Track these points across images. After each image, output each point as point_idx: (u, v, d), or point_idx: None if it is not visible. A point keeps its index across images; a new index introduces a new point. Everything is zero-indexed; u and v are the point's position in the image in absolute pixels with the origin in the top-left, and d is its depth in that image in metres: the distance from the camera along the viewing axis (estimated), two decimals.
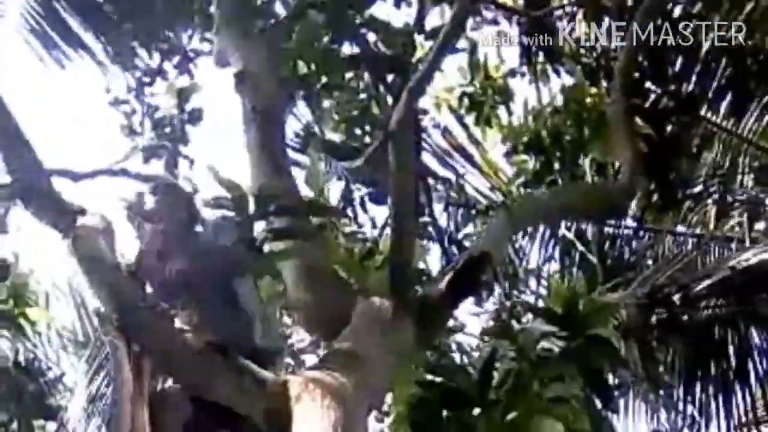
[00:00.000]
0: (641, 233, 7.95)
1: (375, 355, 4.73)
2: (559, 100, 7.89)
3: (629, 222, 7.93)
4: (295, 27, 6.63)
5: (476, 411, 4.94)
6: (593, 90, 7.71)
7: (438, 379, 5.05)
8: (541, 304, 7.28)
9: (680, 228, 8.60)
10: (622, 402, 7.36)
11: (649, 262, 7.64)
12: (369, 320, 5.01)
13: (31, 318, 7.53)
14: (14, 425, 6.85)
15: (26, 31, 7.16)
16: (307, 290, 5.41)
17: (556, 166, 7.30)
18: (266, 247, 4.86)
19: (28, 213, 4.84)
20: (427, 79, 5.79)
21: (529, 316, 6.21)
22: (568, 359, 5.36)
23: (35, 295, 7.68)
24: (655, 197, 7.68)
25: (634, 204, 7.65)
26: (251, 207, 4.78)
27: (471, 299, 6.31)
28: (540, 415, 4.83)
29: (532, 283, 7.88)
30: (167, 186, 5.12)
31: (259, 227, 4.91)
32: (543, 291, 7.78)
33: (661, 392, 7.61)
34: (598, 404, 5.42)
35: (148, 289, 4.76)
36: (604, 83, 7.96)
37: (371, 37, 7.37)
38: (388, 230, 6.63)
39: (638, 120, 7.37)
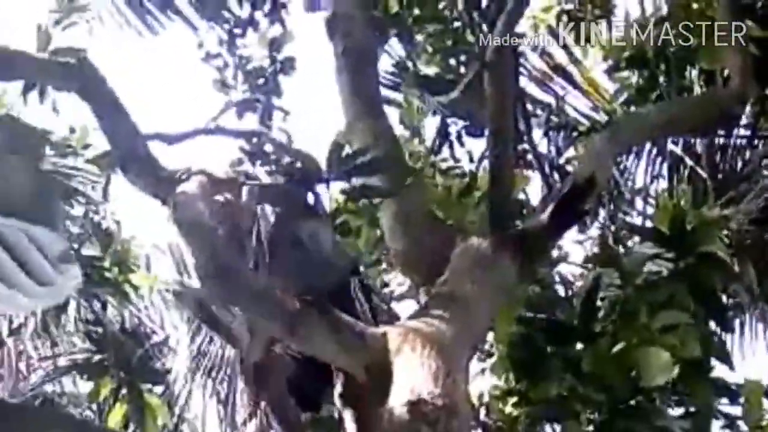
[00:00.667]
0: (755, 141, 7.58)
1: (475, 296, 4.71)
2: (664, 9, 7.55)
3: (742, 131, 7.57)
4: None
5: (580, 345, 4.90)
6: None
7: (540, 315, 5.02)
8: (648, 224, 7.09)
9: None
10: (737, 322, 7.15)
11: (765, 172, 7.29)
12: (468, 261, 4.97)
13: (134, 283, 7.75)
14: (123, 391, 7.04)
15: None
16: (405, 234, 5.41)
17: (661, 79, 7.03)
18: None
19: (127, 181, 4.98)
20: (525, 2, 5.64)
21: (636, 239, 6.06)
22: (678, 280, 5.24)
23: (137, 260, 7.88)
24: None
25: (747, 111, 7.30)
26: (323, 171, 4.80)
27: (574, 227, 6.16)
28: (647, 345, 4.75)
29: (639, 204, 7.65)
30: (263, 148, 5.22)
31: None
32: (650, 211, 7.54)
33: None
34: (711, 326, 5.31)
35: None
36: None
37: None
38: (485, 163, 6.52)
39: (749, 22, 6.98)
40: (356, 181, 5.00)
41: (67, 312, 7.67)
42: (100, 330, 7.23)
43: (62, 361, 8.14)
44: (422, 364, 4.10)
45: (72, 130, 7.64)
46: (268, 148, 5.69)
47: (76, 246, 6.97)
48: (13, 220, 0.96)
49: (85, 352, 7.25)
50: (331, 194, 5.02)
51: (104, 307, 7.69)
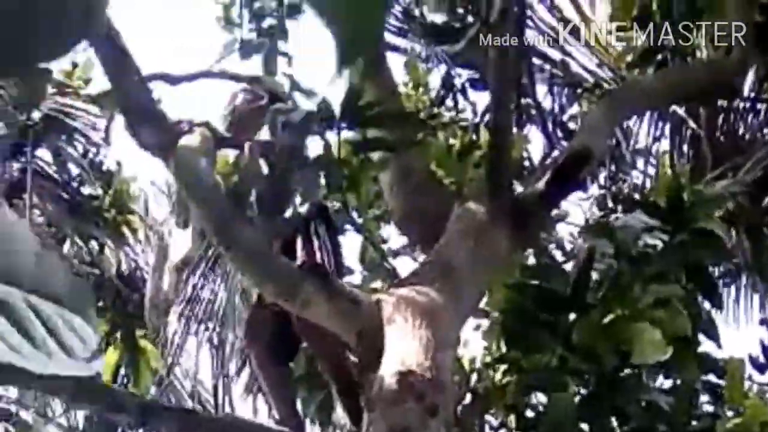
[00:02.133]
0: (758, 106, 7.56)
1: (469, 266, 4.76)
2: None
3: (745, 96, 7.53)
4: None
5: (572, 316, 4.95)
6: None
7: (533, 282, 5.06)
8: (648, 185, 7.11)
9: None
10: (732, 290, 7.21)
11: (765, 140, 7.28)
12: (464, 227, 5.00)
13: (132, 226, 7.69)
14: (117, 335, 7.06)
15: None
16: (403, 193, 5.45)
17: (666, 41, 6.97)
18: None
19: (128, 132, 4.95)
20: None
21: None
22: (671, 254, 5.28)
23: (136, 202, 7.81)
24: None
25: (750, 77, 7.26)
26: (336, 115, 4.80)
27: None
28: (638, 319, 4.81)
29: (640, 164, 7.65)
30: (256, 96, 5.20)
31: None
32: (651, 171, 7.55)
33: None
34: (700, 300, 5.37)
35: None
36: None
37: None
38: (488, 117, 6.50)
39: None
40: (368, 132, 5.02)
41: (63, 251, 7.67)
42: (96, 272, 7.25)
43: None
44: (413, 335, 4.16)
45: (74, 65, 7.56)
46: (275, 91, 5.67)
47: (75, 185, 6.98)
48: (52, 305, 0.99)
49: None
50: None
51: (101, 249, 7.69)
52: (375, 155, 5.14)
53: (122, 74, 4.92)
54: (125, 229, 7.58)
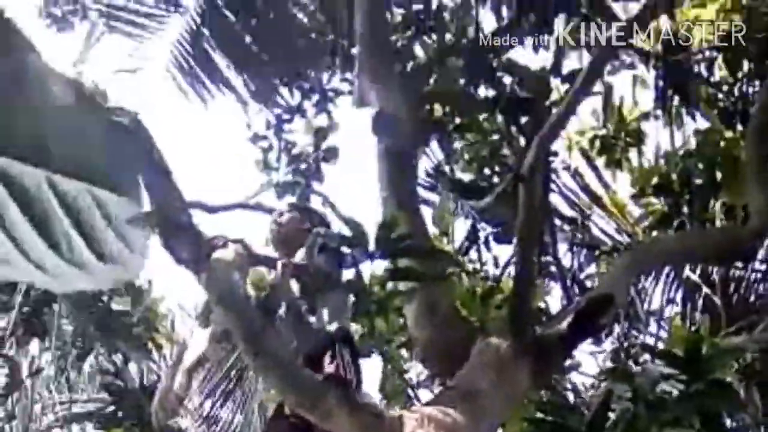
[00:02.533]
0: None
1: (490, 395, 4.87)
2: (692, 144, 7.87)
3: (757, 265, 7.78)
4: (434, 72, 6.85)
5: None
6: (729, 134, 7.65)
7: (548, 418, 5.13)
8: (661, 346, 7.23)
9: None
10: None
11: None
12: (487, 359, 5.14)
13: (158, 341, 7.85)
14: None
15: (174, 68, 7.52)
16: (428, 326, 5.60)
17: (685, 209, 7.28)
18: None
19: (163, 246, 5.16)
20: (561, 124, 5.91)
21: (647, 356, 6.20)
22: (687, 402, 5.36)
23: (164, 320, 8.01)
24: None
25: (764, 247, 7.52)
26: (371, 245, 5.01)
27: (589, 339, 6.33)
28: None
29: (653, 325, 7.83)
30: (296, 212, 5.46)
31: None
32: (663, 333, 7.72)
33: None
34: None
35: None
36: (739, 128, 7.88)
37: (507, 79, 7.52)
38: (510, 269, 6.73)
39: None
40: (399, 263, 5.20)
41: (88, 360, 7.80)
42: (119, 383, 7.34)
43: (76, 408, 8.21)
44: None
45: None
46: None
47: (105, 299, 7.17)
48: (78, 183, 0.83)
49: (100, 402, 7.34)
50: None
51: (126, 361, 7.81)
52: (402, 285, 5.33)
53: (162, 191, 5.17)
54: (150, 344, 7.72)
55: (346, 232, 5.01)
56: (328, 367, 4.82)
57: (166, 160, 5.17)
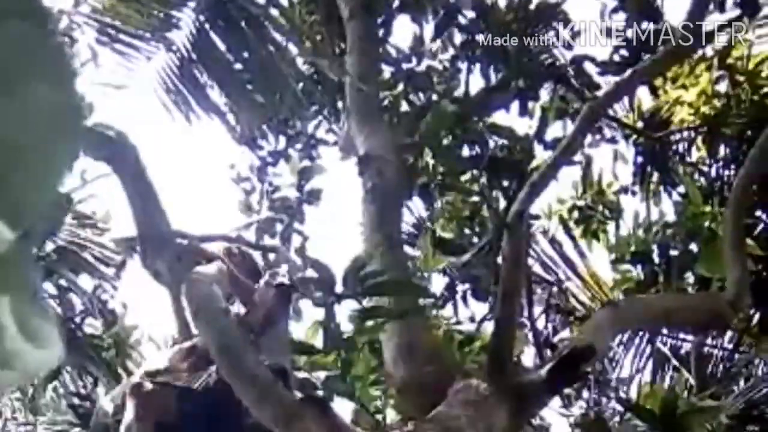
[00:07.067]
0: (736, 355, 7.85)
1: (467, 429, 4.77)
2: (670, 217, 7.96)
3: (726, 343, 7.86)
4: (425, 117, 6.91)
5: None
6: (707, 208, 7.75)
7: None
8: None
9: None
10: None
11: (742, 382, 7.52)
12: (465, 397, 5.05)
13: (128, 368, 7.66)
14: None
15: (162, 91, 7.38)
16: (405, 365, 5.50)
17: (661, 279, 7.32)
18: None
19: (143, 265, 5.09)
20: (543, 185, 5.94)
21: (616, 419, 6.16)
22: None
23: (136, 347, 7.83)
24: (755, 320, 7.63)
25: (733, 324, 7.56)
26: (338, 287, 4.95)
27: (558, 402, 6.28)
28: None
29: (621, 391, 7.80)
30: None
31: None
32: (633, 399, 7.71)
33: None
34: None
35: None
36: (717, 203, 7.99)
37: (491, 142, 7.59)
38: (486, 325, 6.70)
39: (749, 241, 7.34)
40: (367, 302, 5.15)
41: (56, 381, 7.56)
42: (87, 404, 7.11)
43: (41, 430, 7.93)
44: None
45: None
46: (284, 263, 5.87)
47: (78, 320, 6.99)
48: None
49: (66, 425, 7.11)
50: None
51: (95, 383, 7.58)
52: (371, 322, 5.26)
53: (146, 205, 5.12)
54: (121, 370, 7.51)
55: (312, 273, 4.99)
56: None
57: (150, 174, 5.14)
